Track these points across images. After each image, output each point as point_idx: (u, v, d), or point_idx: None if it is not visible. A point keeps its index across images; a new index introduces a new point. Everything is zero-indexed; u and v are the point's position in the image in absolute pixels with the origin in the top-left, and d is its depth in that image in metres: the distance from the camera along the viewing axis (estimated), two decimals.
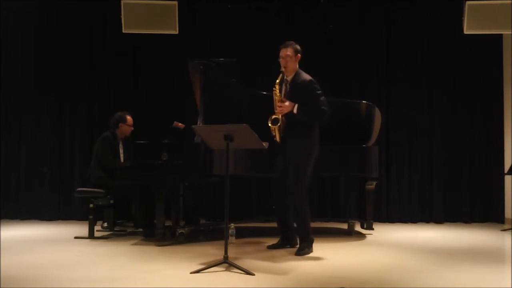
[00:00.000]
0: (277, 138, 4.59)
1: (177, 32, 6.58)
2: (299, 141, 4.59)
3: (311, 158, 4.65)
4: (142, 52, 7.14)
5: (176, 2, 6.49)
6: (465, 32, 6.55)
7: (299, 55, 4.68)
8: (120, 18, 6.50)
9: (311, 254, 4.63)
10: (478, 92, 7.09)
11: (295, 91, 4.62)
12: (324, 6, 7.07)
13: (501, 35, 6.98)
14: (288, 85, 4.68)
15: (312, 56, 7.06)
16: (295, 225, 4.85)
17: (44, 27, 7.17)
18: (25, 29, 7.17)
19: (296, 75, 4.67)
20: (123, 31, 6.57)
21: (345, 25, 7.13)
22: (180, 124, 5.82)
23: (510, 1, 6.36)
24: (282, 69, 4.61)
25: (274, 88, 4.60)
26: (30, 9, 7.15)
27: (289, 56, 4.61)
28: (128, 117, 5.95)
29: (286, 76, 4.67)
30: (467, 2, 6.42)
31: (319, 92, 4.61)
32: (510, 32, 6.61)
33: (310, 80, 4.63)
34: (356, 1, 7.13)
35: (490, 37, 6.81)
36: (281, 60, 4.63)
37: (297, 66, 4.70)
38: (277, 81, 4.61)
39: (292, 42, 4.69)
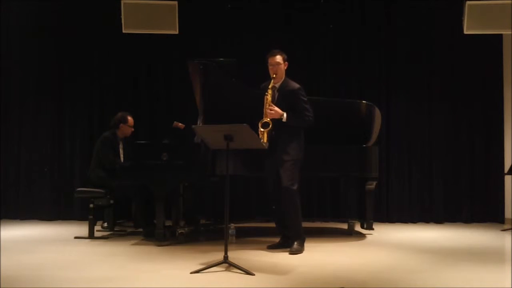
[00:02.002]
0: (264, 140, 4.61)
1: (177, 32, 6.58)
2: (290, 144, 4.70)
3: (300, 159, 4.75)
4: (142, 52, 7.14)
5: (176, 2, 6.49)
6: (465, 32, 6.55)
7: (286, 62, 4.82)
8: (120, 18, 6.50)
9: (310, 254, 4.64)
10: (478, 92, 7.09)
11: (284, 98, 4.74)
12: (325, 6, 7.07)
13: (501, 35, 6.98)
14: (276, 91, 4.78)
15: (313, 56, 7.12)
16: None
17: (44, 27, 7.17)
18: (25, 29, 7.17)
19: (284, 82, 4.81)
20: (123, 31, 6.58)
21: (345, 25, 7.14)
22: (180, 124, 5.82)
23: (510, 1, 6.36)
24: (273, 76, 4.72)
25: (266, 93, 4.67)
26: (30, 9, 7.14)
27: (278, 64, 4.75)
28: (129, 118, 5.95)
29: (275, 83, 4.77)
30: (467, 2, 6.42)
31: (305, 99, 4.76)
32: (510, 32, 6.62)
33: (298, 88, 4.77)
34: (357, 1, 7.13)
35: (490, 37, 6.81)
36: (270, 68, 4.76)
37: (284, 74, 4.82)
38: (270, 86, 4.70)
39: (279, 50, 4.82)
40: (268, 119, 4.60)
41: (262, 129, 4.58)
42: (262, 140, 4.59)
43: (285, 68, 4.82)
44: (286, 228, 4.88)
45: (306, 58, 7.06)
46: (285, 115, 4.63)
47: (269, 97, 4.66)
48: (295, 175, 4.70)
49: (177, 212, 5.83)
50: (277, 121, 4.64)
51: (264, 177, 4.97)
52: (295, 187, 4.68)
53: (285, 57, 4.81)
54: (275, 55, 4.76)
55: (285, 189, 4.65)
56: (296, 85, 4.78)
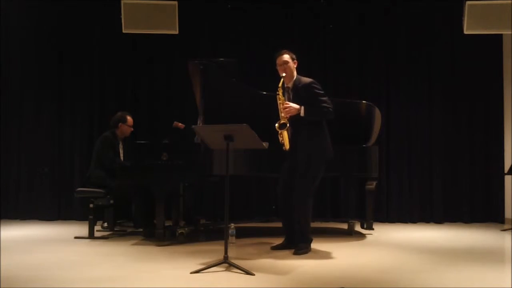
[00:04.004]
0: (286, 146, 4.57)
1: (177, 32, 6.58)
2: (310, 142, 4.61)
3: (323, 158, 4.67)
4: (142, 52, 7.14)
5: (176, 2, 6.49)
6: (465, 32, 6.55)
7: (295, 61, 4.73)
8: (120, 18, 6.50)
9: (310, 254, 4.63)
10: (478, 92, 7.09)
11: (298, 95, 4.65)
12: (324, 6, 7.07)
13: (501, 35, 6.98)
14: (290, 91, 4.71)
15: (312, 56, 7.12)
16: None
17: (44, 27, 7.17)
18: (25, 29, 7.17)
19: (296, 80, 4.71)
20: (123, 31, 6.58)
21: (345, 25, 7.14)
22: (180, 124, 5.82)
23: (510, 1, 6.36)
24: (282, 75, 4.64)
25: (277, 92, 4.61)
26: (30, 9, 7.15)
27: (286, 63, 4.65)
28: (129, 117, 5.95)
29: (287, 84, 4.70)
30: (467, 2, 6.42)
31: (321, 92, 4.66)
32: (510, 32, 6.61)
33: (311, 81, 4.67)
34: (356, 1, 7.13)
35: (490, 37, 6.81)
36: (279, 68, 4.69)
37: (295, 72, 4.74)
38: (279, 85, 4.63)
39: (286, 49, 4.74)
40: (285, 120, 4.53)
41: (280, 131, 4.53)
42: (283, 144, 4.54)
43: (295, 66, 4.71)
44: (292, 229, 4.81)
45: (306, 58, 7.02)
46: (302, 109, 4.53)
47: (281, 96, 4.59)
48: (311, 175, 4.62)
49: (177, 212, 5.84)
50: (294, 121, 4.56)
51: (268, 177, 4.93)
52: (308, 190, 4.62)
53: (293, 55, 4.71)
54: (282, 54, 4.67)
55: (297, 191, 4.60)
56: (308, 80, 4.67)
